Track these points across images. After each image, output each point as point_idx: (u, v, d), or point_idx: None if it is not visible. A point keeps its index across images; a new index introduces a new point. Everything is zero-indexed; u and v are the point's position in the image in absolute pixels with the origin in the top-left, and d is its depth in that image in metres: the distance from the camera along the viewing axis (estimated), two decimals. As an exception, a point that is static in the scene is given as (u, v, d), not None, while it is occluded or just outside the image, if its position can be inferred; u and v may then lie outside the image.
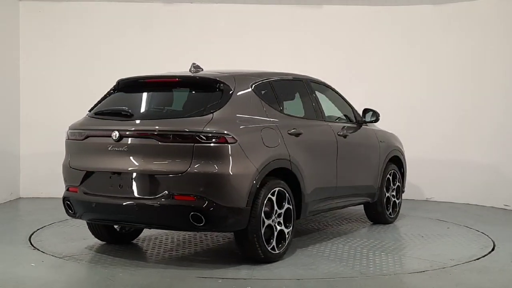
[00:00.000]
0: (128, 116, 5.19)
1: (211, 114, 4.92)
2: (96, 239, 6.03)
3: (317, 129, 5.98)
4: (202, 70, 5.69)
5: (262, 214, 5.02)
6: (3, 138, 8.59)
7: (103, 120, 5.30)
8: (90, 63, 9.04)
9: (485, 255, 5.59)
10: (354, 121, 6.67)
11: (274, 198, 5.14)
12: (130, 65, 8.48)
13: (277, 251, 5.20)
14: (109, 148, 5.06)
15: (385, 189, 6.96)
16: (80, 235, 6.26)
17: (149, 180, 4.93)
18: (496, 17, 8.67)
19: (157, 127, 4.93)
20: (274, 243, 5.15)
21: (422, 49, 9.22)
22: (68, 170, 5.40)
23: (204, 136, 4.77)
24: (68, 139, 5.46)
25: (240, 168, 4.85)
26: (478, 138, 8.77)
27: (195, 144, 4.76)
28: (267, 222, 5.09)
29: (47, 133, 8.78)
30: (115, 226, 5.81)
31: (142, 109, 5.34)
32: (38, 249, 5.64)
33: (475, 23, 8.85)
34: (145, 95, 5.46)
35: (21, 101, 9.03)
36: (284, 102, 5.92)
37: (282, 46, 9.27)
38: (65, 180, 5.47)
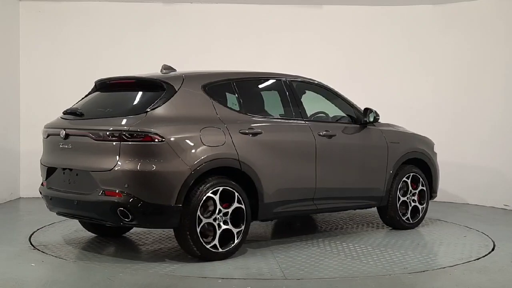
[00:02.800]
0: (79, 115, 5.47)
1: (145, 113, 5.09)
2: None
3: (287, 129, 5.89)
4: (175, 70, 5.84)
5: (198, 212, 5.07)
6: (3, 138, 8.60)
7: (61, 120, 5.64)
8: (90, 63, 9.05)
9: (485, 255, 5.59)
10: (357, 122, 6.48)
11: (216, 197, 5.17)
12: (130, 65, 8.50)
13: (221, 250, 5.22)
14: (60, 146, 5.46)
15: (399, 193, 6.67)
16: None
17: (87, 176, 5.18)
18: (496, 17, 8.68)
19: (91, 126, 5.24)
20: (216, 242, 5.17)
21: (422, 49, 9.22)
22: (40, 166, 5.83)
23: (129, 134, 4.96)
24: (43, 137, 5.82)
25: (167, 166, 4.96)
26: (478, 138, 8.77)
27: (121, 142, 4.97)
28: (205, 220, 5.13)
29: (47, 133, 8.77)
30: None
31: (93, 109, 5.55)
32: (38, 249, 5.64)
33: (475, 23, 8.85)
34: (106, 95, 5.74)
35: (21, 101, 9.05)
36: (250, 102, 5.90)
37: (282, 46, 9.28)
38: (41, 175, 5.86)
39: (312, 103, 6.56)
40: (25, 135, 8.95)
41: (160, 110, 5.16)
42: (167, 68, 5.86)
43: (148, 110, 5.13)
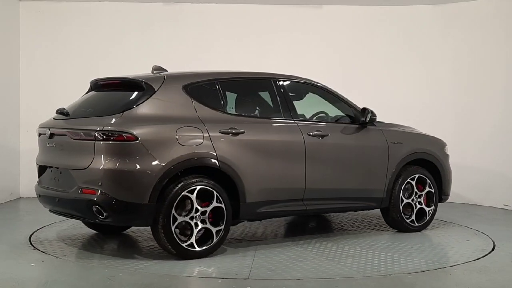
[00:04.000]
0: (65, 115, 5.61)
1: (121, 113, 5.20)
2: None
3: (272, 128, 5.85)
4: (166, 71, 5.92)
5: (173, 211, 5.13)
6: (3, 138, 8.60)
7: (51, 119, 5.81)
8: (90, 62, 9.05)
9: (485, 255, 5.59)
10: (356, 122, 6.37)
11: (193, 196, 5.21)
12: (130, 65, 8.48)
13: (198, 249, 5.25)
14: (47, 145, 5.66)
15: (402, 195, 6.50)
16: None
17: (67, 174, 5.35)
18: (496, 17, 8.68)
19: (70, 125, 5.41)
20: (193, 241, 5.23)
21: (421, 49, 9.23)
22: (36, 164, 5.95)
23: (103, 134, 5.07)
24: (37, 136, 5.98)
25: (140, 165, 5.05)
26: (478, 138, 8.78)
27: (96, 141, 5.09)
28: (180, 219, 5.18)
29: (47, 133, 8.77)
30: None
31: (79, 109, 5.66)
32: (38, 249, 5.64)
33: (475, 23, 8.86)
34: (96, 95, 5.83)
35: (21, 101, 9.05)
36: (234, 102, 5.93)
37: (282, 46, 9.28)
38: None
39: (311, 103, 6.54)
40: (25, 135, 8.95)
41: (137, 110, 5.26)
42: (157, 69, 5.93)
43: (125, 110, 5.23)
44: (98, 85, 5.90)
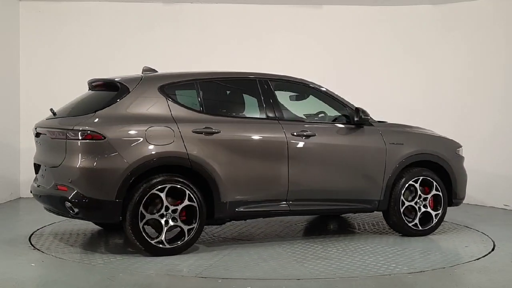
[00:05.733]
0: (53, 115, 5.78)
1: (94, 113, 5.38)
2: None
3: (250, 128, 5.80)
4: (156, 72, 6.04)
5: (142, 208, 5.25)
6: (3, 138, 8.60)
7: (43, 119, 5.97)
8: (90, 63, 9.05)
9: (485, 255, 5.60)
10: (352, 122, 6.20)
11: (162, 194, 5.30)
12: (129, 65, 8.47)
13: (168, 246, 5.35)
14: (37, 143, 5.91)
15: (403, 197, 6.26)
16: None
17: (47, 171, 5.60)
18: (496, 17, 8.68)
19: (49, 125, 5.64)
20: (162, 238, 5.32)
21: (421, 49, 9.23)
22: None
23: (72, 133, 5.27)
24: None
25: (108, 163, 5.21)
26: (478, 138, 8.77)
27: (67, 140, 5.30)
28: (149, 216, 5.28)
29: (47, 133, 8.76)
30: None
31: (65, 109, 5.82)
32: (38, 249, 5.65)
33: (475, 23, 8.86)
34: (88, 95, 5.96)
35: (21, 101, 9.05)
36: (213, 102, 5.95)
37: (282, 46, 9.29)
38: None
39: (306, 103, 6.52)
40: (25, 135, 8.94)
41: (109, 110, 5.40)
42: (147, 70, 6.03)
43: (97, 110, 5.39)
44: (92, 86, 6.04)
